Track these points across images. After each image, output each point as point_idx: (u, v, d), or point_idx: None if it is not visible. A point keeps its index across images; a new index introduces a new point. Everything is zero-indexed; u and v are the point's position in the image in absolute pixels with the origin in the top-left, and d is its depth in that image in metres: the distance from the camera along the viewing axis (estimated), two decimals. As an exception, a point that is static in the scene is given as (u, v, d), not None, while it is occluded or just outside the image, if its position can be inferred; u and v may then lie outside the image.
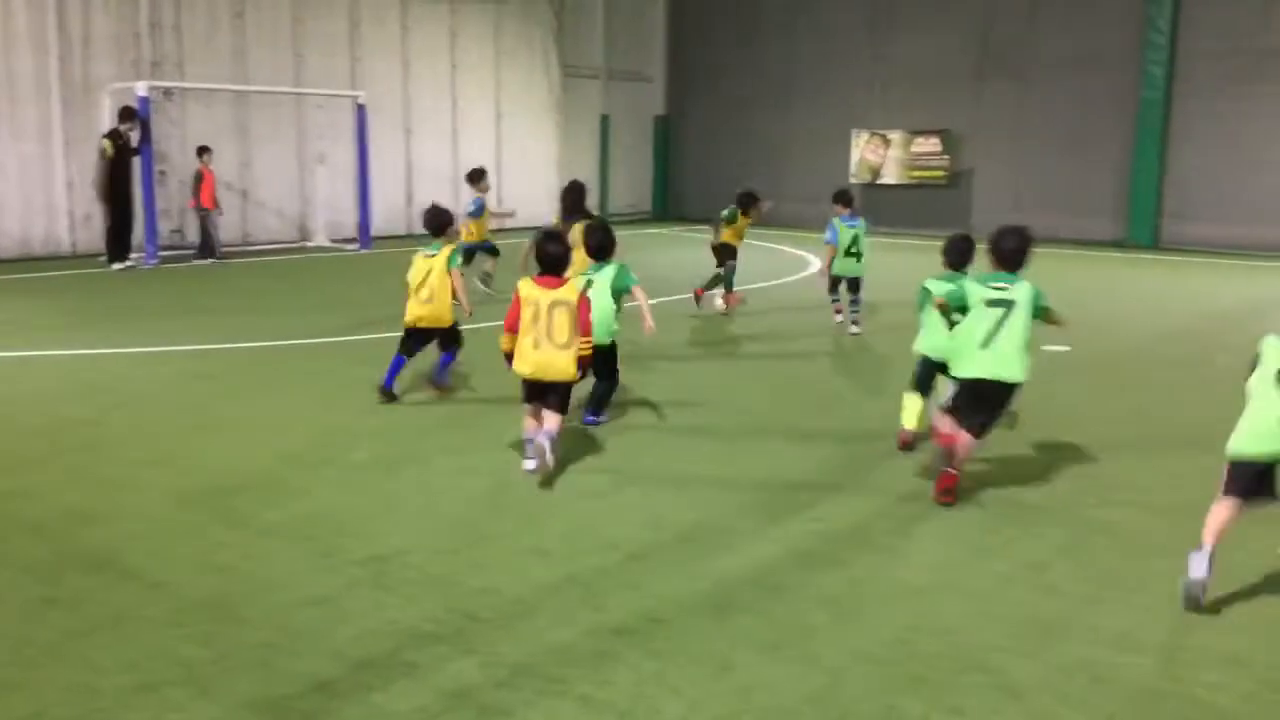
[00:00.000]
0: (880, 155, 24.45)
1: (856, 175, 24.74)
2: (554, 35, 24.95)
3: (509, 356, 6.50)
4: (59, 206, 17.23)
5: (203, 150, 17.30)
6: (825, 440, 7.37)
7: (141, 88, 16.20)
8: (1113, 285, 16.14)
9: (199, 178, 17.10)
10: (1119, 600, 4.73)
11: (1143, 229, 21.50)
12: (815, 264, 17.73)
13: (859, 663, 4.11)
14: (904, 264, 18.36)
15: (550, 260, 6.56)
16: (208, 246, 17.14)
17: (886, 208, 24.73)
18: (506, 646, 4.22)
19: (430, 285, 8.06)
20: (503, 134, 24.14)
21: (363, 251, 19.13)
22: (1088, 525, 5.69)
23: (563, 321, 6.36)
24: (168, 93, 18.08)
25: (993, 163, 23.13)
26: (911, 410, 7.07)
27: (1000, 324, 6.02)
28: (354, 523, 5.62)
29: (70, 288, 14.18)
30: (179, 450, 6.93)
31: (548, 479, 6.27)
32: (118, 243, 15.96)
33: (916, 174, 23.99)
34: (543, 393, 6.43)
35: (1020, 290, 6.09)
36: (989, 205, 22.93)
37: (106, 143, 15.87)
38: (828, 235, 11.26)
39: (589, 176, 26.07)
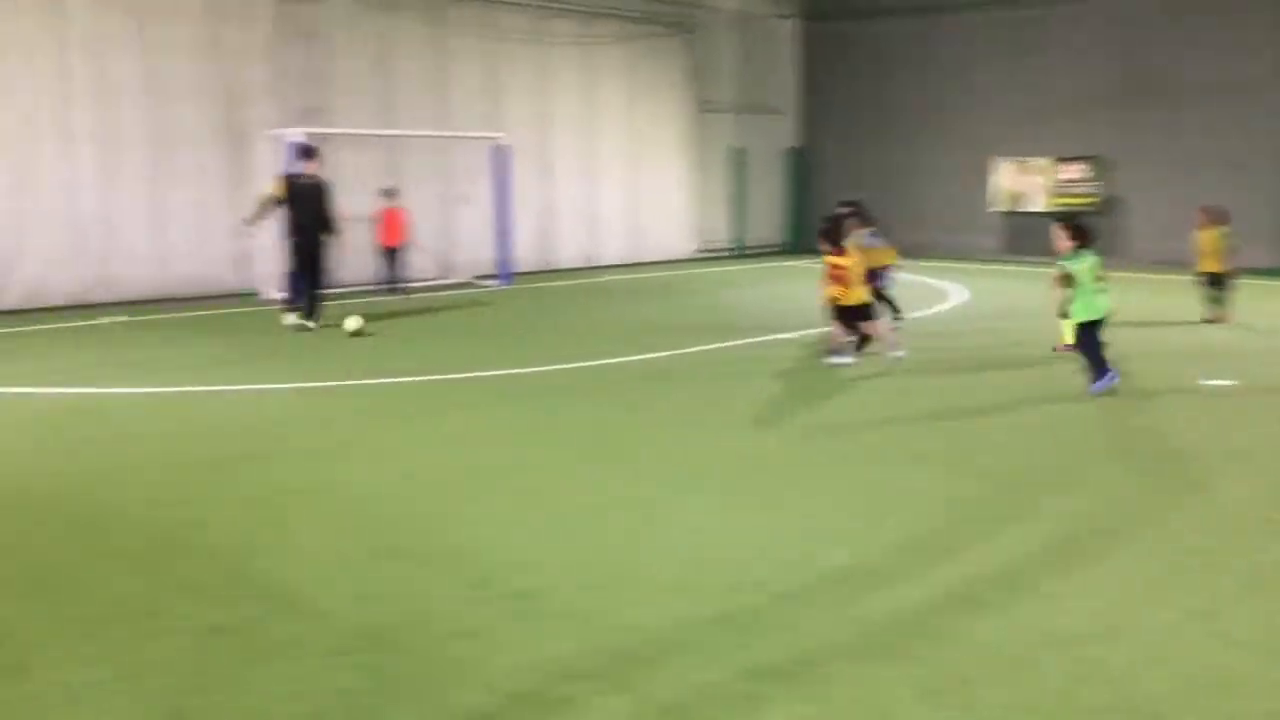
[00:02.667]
0: (1023, 183, 23.89)
1: (998, 204, 24.24)
2: (687, 71, 25.17)
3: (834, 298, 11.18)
4: (221, 247, 18.11)
5: (386, 191, 18.08)
6: (976, 479, 7.19)
7: (296, 133, 16.93)
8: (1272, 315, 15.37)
9: (381, 217, 17.96)
10: (1301, 653, 4.47)
11: (1305, 256, 20.44)
12: (956, 296, 17.36)
13: (1020, 714, 3.98)
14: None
15: (833, 237, 11.17)
16: (399, 282, 18.14)
17: (1030, 236, 24.12)
18: (656, 685, 4.21)
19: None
20: (638, 171, 24.42)
21: (504, 287, 19.55)
22: (1261, 568, 5.40)
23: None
24: (321, 138, 18.84)
25: (1146, 189, 22.34)
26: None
27: None
28: (503, 555, 5.71)
29: (232, 325, 14.83)
30: (339, 482, 7.17)
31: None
32: (295, 293, 14.19)
33: (1064, 201, 23.34)
34: (844, 314, 11.17)
35: None
36: (1145, 232, 22.16)
37: (273, 185, 14.25)
38: None
39: (721, 210, 26.20)
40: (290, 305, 14.16)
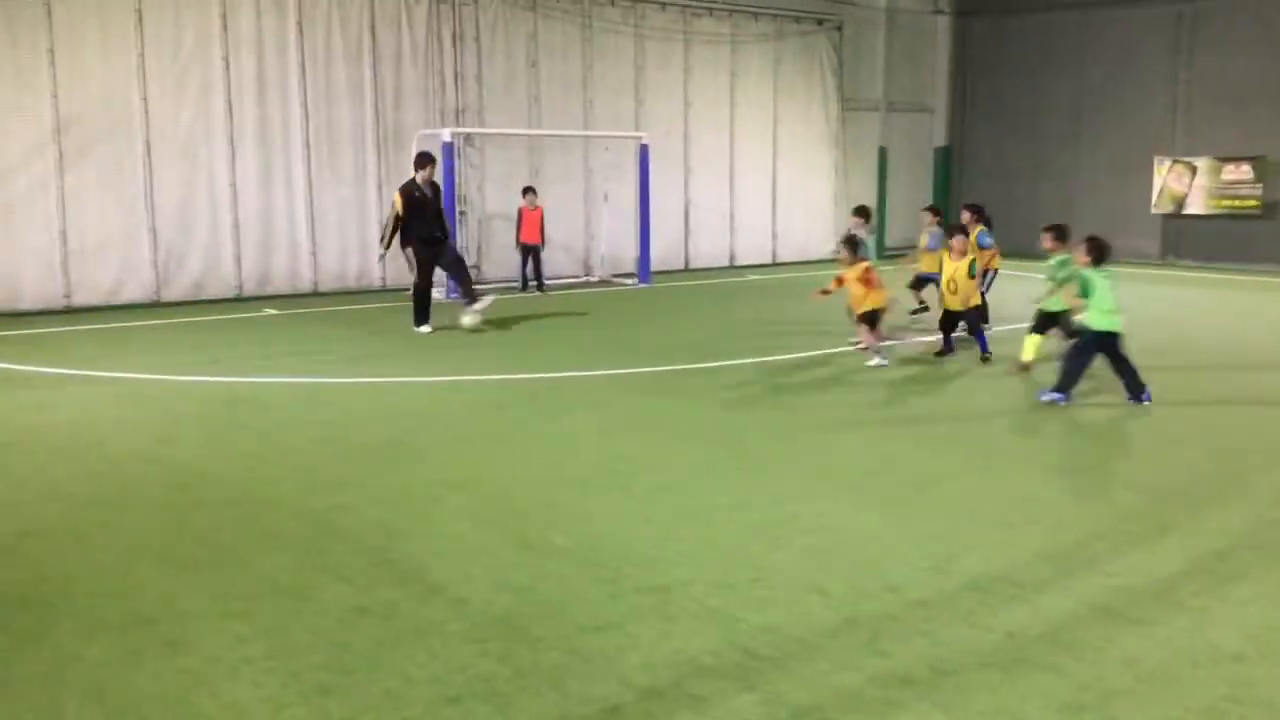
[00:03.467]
0: (1185, 184, 22.88)
1: (1158, 206, 23.27)
2: (833, 69, 24.89)
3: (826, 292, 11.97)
4: (372, 244, 18.67)
5: (525, 190, 18.52)
6: (1121, 489, 6.93)
7: (446, 134, 17.39)
8: None
9: (520, 216, 18.41)
10: None
11: None
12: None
13: (1168, 732, 3.84)
14: (1215, 300, 17.04)
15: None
16: (537, 279, 18.56)
17: (1191, 240, 23.14)
18: (788, 687, 4.20)
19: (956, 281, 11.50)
20: (779, 169, 24.25)
21: (642, 286, 19.69)
22: None
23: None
24: (469, 138, 19.33)
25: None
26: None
27: None
28: (636, 550, 5.78)
29: (380, 319, 15.32)
30: (476, 473, 7.35)
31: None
32: (418, 304, 13.98)
33: (1225, 203, 22.28)
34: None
35: None
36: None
37: (397, 198, 13.74)
38: None
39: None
40: (422, 318, 13.89)
